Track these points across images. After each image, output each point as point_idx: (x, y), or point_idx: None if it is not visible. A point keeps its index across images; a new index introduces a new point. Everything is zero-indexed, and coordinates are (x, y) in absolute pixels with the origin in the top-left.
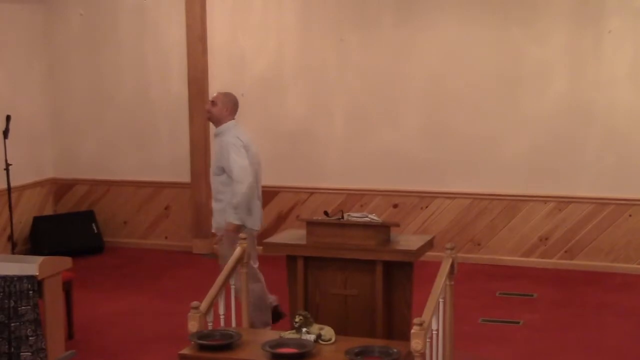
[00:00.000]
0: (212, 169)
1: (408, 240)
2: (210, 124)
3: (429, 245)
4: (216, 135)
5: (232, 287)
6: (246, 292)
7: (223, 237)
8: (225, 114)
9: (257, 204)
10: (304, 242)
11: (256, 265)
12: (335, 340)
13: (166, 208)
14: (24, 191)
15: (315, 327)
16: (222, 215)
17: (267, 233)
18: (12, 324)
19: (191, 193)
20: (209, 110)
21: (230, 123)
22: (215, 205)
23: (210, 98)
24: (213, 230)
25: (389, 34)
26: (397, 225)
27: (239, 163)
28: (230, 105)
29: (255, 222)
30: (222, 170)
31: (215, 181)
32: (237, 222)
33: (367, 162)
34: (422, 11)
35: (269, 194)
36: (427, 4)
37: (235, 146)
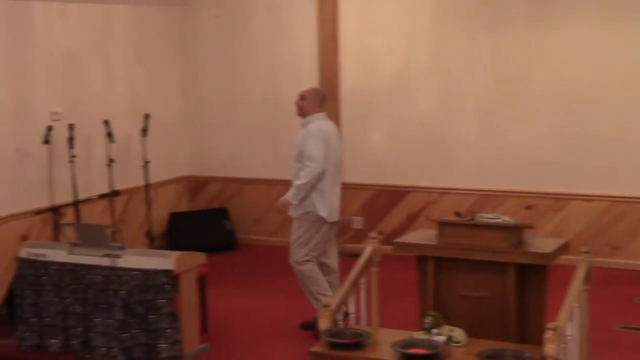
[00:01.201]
0: (295, 154)
1: (542, 243)
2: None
3: (564, 248)
4: (303, 125)
5: (362, 286)
6: (377, 292)
7: (293, 221)
8: (312, 108)
9: (337, 192)
10: (434, 242)
11: (332, 261)
12: (466, 343)
13: None
14: (160, 188)
15: (446, 329)
16: (302, 203)
17: (398, 233)
18: (150, 316)
19: None
20: (298, 104)
21: (315, 115)
22: (295, 184)
23: (299, 93)
24: (293, 215)
25: (522, 33)
26: (531, 227)
27: (311, 151)
28: (318, 99)
29: (331, 213)
30: (302, 156)
31: (295, 167)
32: (292, 201)
33: (500, 163)
34: (557, 10)
35: (399, 194)
36: (563, 2)
37: (315, 136)
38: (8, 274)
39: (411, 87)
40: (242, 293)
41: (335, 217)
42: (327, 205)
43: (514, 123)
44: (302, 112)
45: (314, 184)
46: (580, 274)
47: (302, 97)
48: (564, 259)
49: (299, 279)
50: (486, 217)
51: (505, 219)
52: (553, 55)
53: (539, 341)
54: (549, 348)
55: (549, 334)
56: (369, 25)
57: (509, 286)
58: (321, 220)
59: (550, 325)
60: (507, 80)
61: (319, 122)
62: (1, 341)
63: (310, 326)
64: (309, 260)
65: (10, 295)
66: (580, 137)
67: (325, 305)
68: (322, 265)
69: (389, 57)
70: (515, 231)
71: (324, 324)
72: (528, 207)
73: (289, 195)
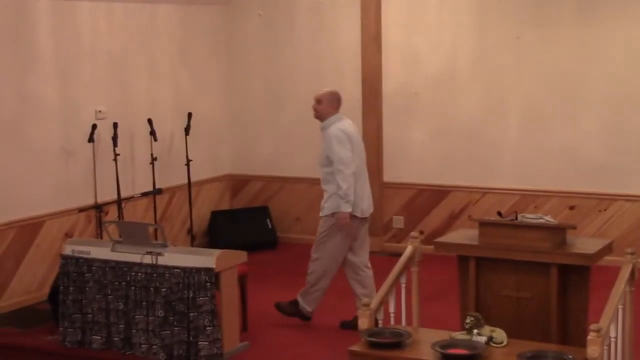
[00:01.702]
0: (320, 160)
1: (585, 244)
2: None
3: (608, 249)
4: (322, 129)
5: (403, 285)
6: (417, 291)
7: (332, 226)
8: (329, 110)
9: (366, 187)
10: (476, 242)
11: (360, 259)
12: (507, 344)
13: None
14: (202, 186)
15: (487, 329)
16: (331, 203)
17: (439, 232)
18: (191, 314)
19: None
20: (315, 108)
21: (334, 117)
22: (324, 194)
23: (315, 97)
24: (320, 215)
25: (568, 31)
26: (574, 227)
27: (339, 154)
28: (334, 102)
29: (362, 210)
30: (328, 161)
31: (322, 172)
32: (348, 210)
33: (543, 163)
34: (604, 8)
35: (440, 193)
36: (610, 0)
37: (338, 138)
38: (52, 271)
39: (454, 86)
40: (282, 291)
41: (366, 213)
42: (357, 204)
43: (559, 122)
44: (320, 116)
45: (353, 184)
46: (624, 275)
47: (319, 101)
48: (608, 260)
49: (309, 269)
50: (528, 217)
51: (548, 219)
52: (600, 54)
53: (581, 343)
54: (592, 350)
55: (592, 336)
56: (412, 24)
57: (551, 287)
58: (352, 218)
59: (593, 326)
60: (552, 79)
61: (339, 124)
62: (45, 337)
63: (349, 325)
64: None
65: (54, 292)
66: (626, 137)
67: (365, 305)
68: (349, 264)
69: (432, 56)
70: (558, 231)
71: (363, 323)
72: (571, 208)
73: (342, 207)
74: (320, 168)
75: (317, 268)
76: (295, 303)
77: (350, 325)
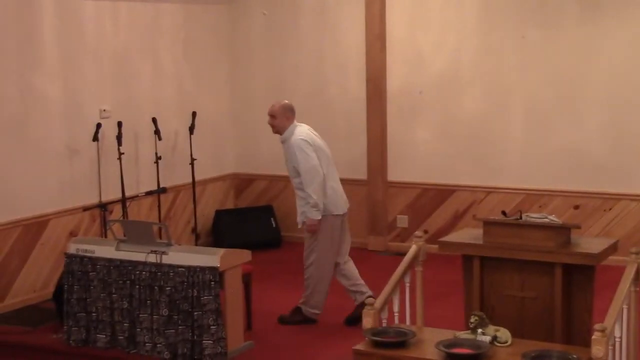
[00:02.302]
0: (289, 171)
1: (590, 243)
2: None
3: (612, 248)
4: (282, 142)
5: (407, 284)
6: (421, 290)
7: (306, 232)
8: (285, 123)
9: (338, 184)
10: (480, 241)
11: (342, 261)
12: (512, 343)
13: None
14: (207, 185)
15: (491, 329)
16: (305, 211)
17: (443, 232)
18: (195, 313)
19: (367, 190)
20: (271, 124)
21: (291, 127)
22: (298, 202)
23: (268, 112)
24: (299, 226)
25: (572, 30)
26: (578, 227)
27: (305, 165)
28: (288, 113)
29: (337, 207)
30: (296, 172)
31: (294, 182)
32: (317, 217)
33: (547, 162)
34: (608, 7)
35: (445, 193)
36: (614, 0)
37: (300, 147)
38: (57, 269)
39: (458, 85)
40: (286, 290)
41: (344, 208)
42: (332, 203)
43: (563, 122)
44: (278, 130)
45: (321, 191)
46: (629, 274)
47: (273, 116)
48: (613, 259)
49: (305, 274)
50: (533, 216)
51: (553, 219)
52: (604, 53)
53: (586, 343)
54: (597, 350)
55: (596, 336)
56: (417, 23)
57: (556, 286)
58: (333, 218)
59: (597, 326)
60: (556, 78)
61: (297, 133)
62: (50, 335)
63: (353, 319)
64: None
65: (59, 291)
66: (630, 136)
67: (370, 304)
68: (335, 265)
69: (436, 55)
70: (562, 231)
71: (368, 322)
72: (576, 207)
73: (312, 214)
74: (291, 178)
75: (313, 272)
76: (297, 310)
77: (353, 319)
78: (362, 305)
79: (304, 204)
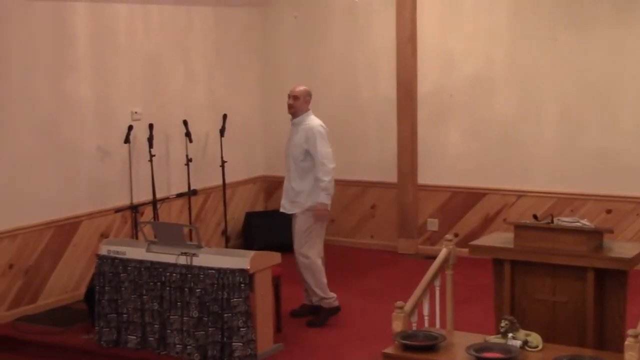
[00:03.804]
0: (294, 154)
1: (622, 248)
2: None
3: None
4: (295, 124)
5: (437, 288)
6: (451, 294)
7: (298, 216)
8: (304, 107)
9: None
10: (511, 245)
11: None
12: (543, 348)
13: (372, 207)
14: (237, 187)
15: (522, 333)
16: (307, 197)
17: (473, 235)
18: (225, 315)
19: (397, 193)
20: (292, 105)
21: (307, 113)
22: (296, 187)
23: (291, 93)
24: (282, 210)
25: (604, 32)
26: (611, 231)
27: (324, 149)
28: (308, 97)
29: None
30: (306, 155)
31: (297, 167)
32: (328, 202)
33: (579, 166)
34: None
35: (475, 196)
36: None
37: (321, 134)
38: (89, 271)
39: (489, 88)
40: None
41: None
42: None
43: (595, 125)
44: (295, 112)
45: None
46: None
47: (295, 97)
48: None
49: (305, 270)
50: (565, 220)
51: (585, 223)
52: (637, 55)
53: (618, 348)
54: (630, 356)
55: (629, 341)
56: (448, 25)
57: (588, 291)
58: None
59: (630, 332)
60: (588, 80)
61: (313, 118)
62: (81, 336)
63: (297, 314)
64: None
65: (90, 292)
66: None
67: (399, 307)
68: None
69: (468, 57)
70: (594, 235)
71: (397, 325)
72: (608, 211)
73: (323, 199)
74: (294, 163)
75: (312, 269)
76: (321, 310)
77: (297, 314)
78: (312, 307)
79: (300, 191)
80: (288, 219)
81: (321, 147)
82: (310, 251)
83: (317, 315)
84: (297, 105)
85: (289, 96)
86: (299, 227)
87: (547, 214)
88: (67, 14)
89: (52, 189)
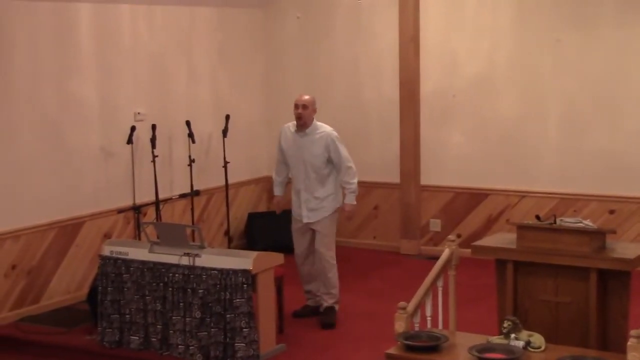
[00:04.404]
0: (315, 164)
1: (625, 249)
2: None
3: None
4: (307, 134)
5: (440, 288)
6: (454, 295)
7: (323, 221)
8: (313, 115)
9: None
10: (514, 246)
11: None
12: (545, 349)
13: (375, 208)
14: (240, 188)
15: (524, 334)
16: (331, 202)
17: (476, 236)
18: (228, 315)
19: (400, 194)
20: (302, 114)
21: (315, 121)
22: (319, 195)
23: (300, 102)
24: (306, 221)
25: (608, 33)
26: (614, 232)
27: (344, 153)
28: (315, 106)
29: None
30: (327, 163)
31: (317, 175)
32: (354, 203)
33: (582, 166)
34: None
35: (478, 197)
36: None
37: (338, 139)
38: (91, 271)
39: (492, 89)
40: None
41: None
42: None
43: (598, 125)
44: (305, 121)
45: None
46: None
47: (305, 106)
48: None
49: (331, 272)
50: (567, 221)
51: (588, 224)
52: None
53: (621, 349)
54: (633, 357)
55: (632, 342)
56: (451, 26)
57: (591, 292)
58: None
59: (633, 332)
60: (592, 81)
61: (322, 125)
62: (84, 337)
63: (300, 314)
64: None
65: (93, 292)
66: None
67: (402, 308)
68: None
69: (471, 58)
70: (597, 236)
71: (400, 326)
72: (611, 212)
73: (352, 200)
74: (314, 173)
75: (335, 270)
76: (334, 311)
77: (300, 315)
78: (314, 308)
79: (324, 197)
80: (291, 219)
81: (343, 151)
82: (334, 252)
83: (329, 316)
84: (307, 114)
85: (297, 105)
86: (327, 230)
87: (550, 215)
88: (71, 15)
89: (55, 189)
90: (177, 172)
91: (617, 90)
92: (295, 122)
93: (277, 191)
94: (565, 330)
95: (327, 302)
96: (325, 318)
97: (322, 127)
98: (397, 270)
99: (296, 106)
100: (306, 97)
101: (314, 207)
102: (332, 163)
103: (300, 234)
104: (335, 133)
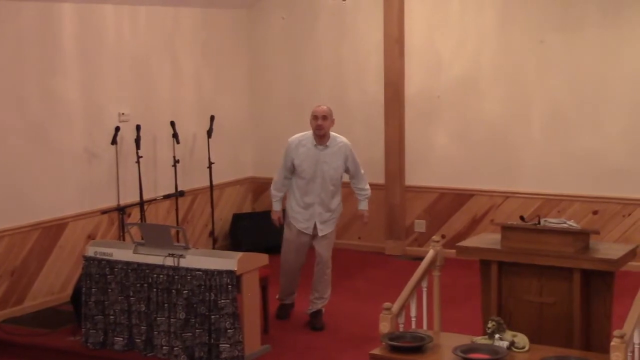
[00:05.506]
0: (334, 176)
1: (609, 249)
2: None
3: (632, 254)
4: (328, 146)
5: (424, 289)
6: (438, 295)
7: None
8: (331, 126)
9: None
10: (498, 246)
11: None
12: (529, 349)
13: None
14: (224, 189)
15: (509, 334)
16: (338, 210)
17: (461, 236)
18: (213, 316)
19: (385, 195)
20: (323, 125)
21: (331, 132)
22: (332, 206)
23: (321, 112)
24: (321, 234)
25: (592, 35)
26: (597, 232)
27: (358, 160)
28: (334, 117)
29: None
30: (341, 174)
31: (335, 184)
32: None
33: (566, 167)
34: (628, 11)
35: (463, 197)
36: (634, 3)
37: (351, 146)
38: (75, 272)
39: (477, 90)
40: (303, 294)
41: None
42: None
43: (582, 126)
44: (326, 133)
45: None
46: None
47: (324, 117)
48: (632, 265)
49: (329, 277)
50: (551, 221)
51: (571, 224)
52: (624, 57)
53: (604, 349)
54: (615, 356)
55: (615, 342)
56: (435, 27)
57: (575, 292)
58: None
59: (616, 332)
60: (576, 83)
61: (339, 135)
62: (68, 338)
63: (282, 316)
64: None
65: (77, 293)
66: None
67: (387, 309)
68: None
69: (455, 59)
70: (581, 236)
71: (385, 327)
72: (595, 212)
73: (366, 206)
74: (332, 186)
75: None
76: (321, 313)
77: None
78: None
79: (335, 208)
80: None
81: (357, 159)
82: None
83: (318, 319)
84: (327, 125)
85: (317, 117)
86: (333, 235)
87: (534, 215)
88: (54, 15)
89: (39, 190)
90: (162, 173)
91: (601, 92)
92: (305, 134)
93: (277, 207)
94: (549, 330)
95: (318, 306)
96: (317, 322)
97: (338, 137)
98: (382, 271)
99: (315, 117)
100: (325, 107)
101: (326, 219)
102: (346, 172)
103: (302, 246)
104: (349, 142)
